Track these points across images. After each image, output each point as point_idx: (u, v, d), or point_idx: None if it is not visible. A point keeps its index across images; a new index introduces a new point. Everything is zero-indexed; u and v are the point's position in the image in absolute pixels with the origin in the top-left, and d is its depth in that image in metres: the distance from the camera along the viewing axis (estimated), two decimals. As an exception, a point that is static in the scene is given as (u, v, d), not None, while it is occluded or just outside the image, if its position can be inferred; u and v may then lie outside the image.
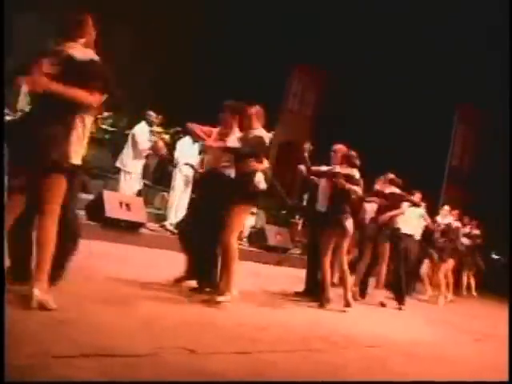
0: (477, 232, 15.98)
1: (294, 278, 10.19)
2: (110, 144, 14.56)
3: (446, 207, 14.59)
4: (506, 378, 6.29)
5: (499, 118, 20.64)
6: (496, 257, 23.67)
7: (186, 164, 12.04)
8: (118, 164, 12.15)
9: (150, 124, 12.09)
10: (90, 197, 11.25)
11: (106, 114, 13.93)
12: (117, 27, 16.17)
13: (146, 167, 12.81)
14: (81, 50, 4.96)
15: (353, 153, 9.00)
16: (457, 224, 14.19)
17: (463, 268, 15.98)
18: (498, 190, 21.26)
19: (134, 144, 11.82)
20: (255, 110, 7.34)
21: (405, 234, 11.51)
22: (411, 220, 12.38)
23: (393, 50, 19.97)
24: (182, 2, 17.62)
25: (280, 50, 18.89)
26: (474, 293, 16.58)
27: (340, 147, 9.15)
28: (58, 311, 4.64)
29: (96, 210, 10.52)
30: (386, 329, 8.01)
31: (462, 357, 7.18)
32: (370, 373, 5.36)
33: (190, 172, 12.16)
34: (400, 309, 10.25)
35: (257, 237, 13.93)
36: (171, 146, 12.88)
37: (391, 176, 10.73)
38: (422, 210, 13.25)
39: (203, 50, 18.20)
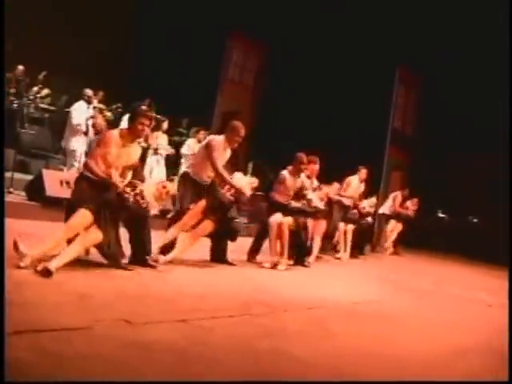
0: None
1: (238, 246, 10.21)
2: (49, 123, 14.41)
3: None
4: (453, 335, 6.48)
5: (438, 81, 20.86)
6: (441, 215, 24.06)
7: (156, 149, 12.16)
8: (62, 143, 12.10)
9: (88, 101, 11.98)
10: (29, 177, 11.14)
11: (44, 92, 13.77)
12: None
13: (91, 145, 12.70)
14: None
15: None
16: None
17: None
18: (441, 152, 21.61)
19: (71, 122, 11.74)
20: None
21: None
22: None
23: (332, 13, 19.98)
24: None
25: (217, 17, 18.77)
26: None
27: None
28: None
29: (36, 189, 10.42)
30: (326, 291, 8.08)
31: (403, 314, 7.29)
32: (309, 333, 5.44)
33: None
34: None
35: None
36: (113, 122, 12.81)
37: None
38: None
39: (141, 23, 18.05)
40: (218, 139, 8.60)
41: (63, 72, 14.50)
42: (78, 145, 11.91)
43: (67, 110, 13.19)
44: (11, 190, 10.63)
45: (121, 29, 17.25)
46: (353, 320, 6.36)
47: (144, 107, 7.38)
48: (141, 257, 7.15)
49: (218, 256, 8.77)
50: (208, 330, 4.84)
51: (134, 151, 7.22)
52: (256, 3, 19.35)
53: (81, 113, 11.66)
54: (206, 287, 6.83)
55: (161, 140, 14.05)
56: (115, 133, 7.09)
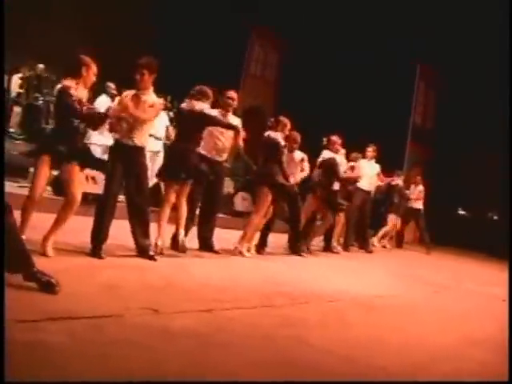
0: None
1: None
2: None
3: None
4: (468, 327, 6.63)
5: (457, 80, 20.98)
6: (461, 212, 24.10)
7: (151, 136, 12.16)
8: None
9: (111, 96, 12.13)
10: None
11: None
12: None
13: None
14: None
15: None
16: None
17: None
18: (462, 147, 21.68)
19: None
20: None
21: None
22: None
23: (353, 10, 20.06)
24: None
25: (239, 12, 18.89)
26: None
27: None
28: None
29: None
30: (346, 283, 8.28)
31: (419, 307, 7.47)
32: (328, 324, 5.62)
33: (156, 145, 12.30)
34: None
35: (224, 203, 14.09)
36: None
37: None
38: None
39: (163, 19, 18.20)
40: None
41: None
42: (100, 139, 12.08)
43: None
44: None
45: (142, 24, 17.45)
46: (370, 312, 6.54)
47: None
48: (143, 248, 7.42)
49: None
50: (231, 319, 5.04)
51: None
52: (278, 2, 19.48)
53: (103, 107, 11.82)
54: (228, 279, 7.06)
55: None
56: None
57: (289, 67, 21.20)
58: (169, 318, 4.70)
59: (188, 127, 8.18)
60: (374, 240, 15.34)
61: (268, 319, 5.35)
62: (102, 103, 11.77)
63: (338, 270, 9.83)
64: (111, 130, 7.35)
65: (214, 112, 8.64)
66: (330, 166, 10.99)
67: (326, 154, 11.14)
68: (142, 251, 7.32)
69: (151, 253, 7.33)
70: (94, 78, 6.88)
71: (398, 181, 15.66)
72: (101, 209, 7.23)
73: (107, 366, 3.51)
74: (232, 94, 9.23)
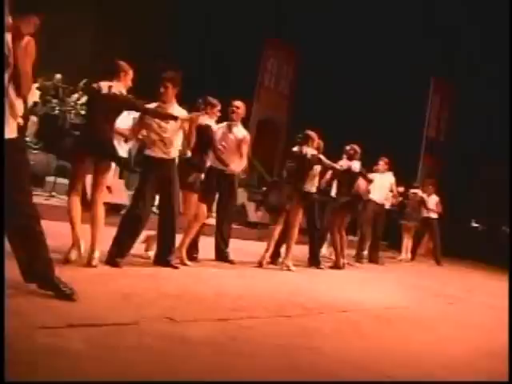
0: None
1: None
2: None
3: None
4: (481, 338, 6.66)
5: (470, 93, 21.03)
6: (475, 225, 24.08)
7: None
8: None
9: None
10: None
11: (84, 99, 14.11)
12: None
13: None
14: None
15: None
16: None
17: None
18: (474, 160, 21.72)
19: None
20: None
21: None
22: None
23: (367, 24, 20.14)
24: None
25: (254, 24, 18.98)
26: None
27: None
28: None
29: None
30: (360, 295, 8.33)
31: (432, 319, 7.52)
32: (342, 334, 5.69)
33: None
34: None
35: (237, 213, 14.17)
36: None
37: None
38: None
39: (179, 32, 18.33)
40: None
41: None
42: (118, 149, 12.18)
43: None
44: (53, 193, 10.96)
45: (158, 36, 17.58)
46: (384, 323, 6.59)
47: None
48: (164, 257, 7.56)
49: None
50: (246, 329, 5.11)
51: None
52: (292, 11, 19.58)
53: (122, 118, 11.89)
54: (243, 289, 7.13)
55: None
56: None
57: (303, 79, 21.27)
58: (185, 327, 4.77)
59: None
60: (402, 254, 15.77)
61: (282, 328, 5.42)
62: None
63: (351, 281, 9.88)
64: (132, 138, 7.49)
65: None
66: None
67: (342, 163, 11.13)
68: (167, 263, 7.50)
69: (172, 262, 7.53)
70: (130, 84, 7.06)
71: (418, 191, 15.87)
72: (126, 220, 7.34)
73: (126, 370, 3.60)
74: (237, 103, 9.28)
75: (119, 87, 6.97)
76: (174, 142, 7.51)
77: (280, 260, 9.87)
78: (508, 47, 18.32)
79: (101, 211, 6.95)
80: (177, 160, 7.56)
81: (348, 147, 11.13)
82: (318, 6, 19.81)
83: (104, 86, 6.98)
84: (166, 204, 7.48)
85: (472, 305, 9.43)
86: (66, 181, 11.72)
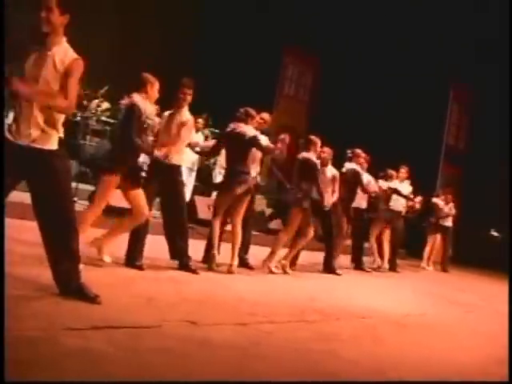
0: None
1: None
2: (110, 135, 14.87)
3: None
4: (496, 345, 6.70)
5: (490, 99, 21.00)
6: (494, 234, 23.99)
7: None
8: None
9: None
10: (91, 188, 11.58)
11: (105, 106, 14.25)
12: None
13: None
14: None
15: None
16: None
17: None
18: (494, 169, 21.67)
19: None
20: None
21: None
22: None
23: (387, 32, 20.20)
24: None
25: (273, 32, 19.07)
26: None
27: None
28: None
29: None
30: (377, 301, 8.37)
31: (449, 326, 7.58)
32: (360, 339, 5.76)
33: (194, 158, 12.50)
34: None
35: (257, 220, 14.21)
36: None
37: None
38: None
39: (199, 41, 18.44)
40: None
41: (123, 86, 15.00)
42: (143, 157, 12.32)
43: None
44: (75, 199, 11.07)
45: (179, 47, 17.69)
46: (401, 330, 6.66)
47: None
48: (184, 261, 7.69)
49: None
50: (266, 333, 5.20)
51: None
52: (312, 19, 19.66)
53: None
54: (262, 294, 7.22)
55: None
56: None
57: (322, 87, 21.36)
58: (206, 330, 4.87)
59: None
60: (423, 263, 15.80)
61: (301, 333, 5.50)
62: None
63: (368, 287, 9.94)
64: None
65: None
66: (353, 176, 11.09)
67: (348, 166, 11.22)
68: (184, 266, 7.60)
69: (192, 267, 7.63)
70: (157, 94, 7.20)
71: (438, 200, 15.93)
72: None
73: (148, 371, 3.70)
74: (264, 115, 9.37)
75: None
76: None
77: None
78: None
79: None
80: None
81: (350, 151, 11.36)
82: (339, 13, 19.91)
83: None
84: (175, 206, 7.65)
85: (488, 313, 9.46)
86: (87, 187, 11.90)
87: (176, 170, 7.66)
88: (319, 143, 9.83)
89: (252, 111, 8.65)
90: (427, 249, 15.97)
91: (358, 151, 11.48)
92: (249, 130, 8.34)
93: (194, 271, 7.56)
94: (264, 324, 5.51)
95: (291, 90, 21.79)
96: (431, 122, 21.20)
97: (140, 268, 7.15)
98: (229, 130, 8.45)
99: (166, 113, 7.84)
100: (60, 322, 4.23)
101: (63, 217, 4.83)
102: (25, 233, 7.87)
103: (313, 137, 9.82)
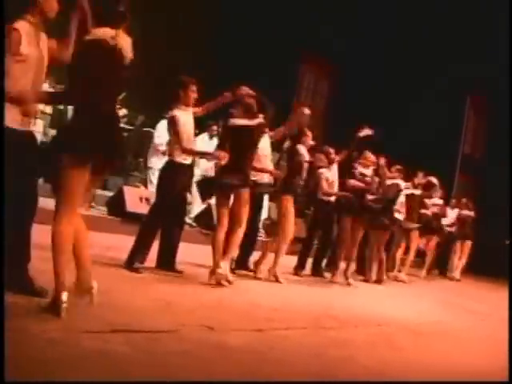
0: None
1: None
2: (127, 142, 14.93)
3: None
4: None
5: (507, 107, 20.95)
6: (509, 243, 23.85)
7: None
8: (140, 160, 12.70)
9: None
10: (110, 193, 11.68)
11: (122, 112, 14.32)
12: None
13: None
14: None
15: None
16: None
17: None
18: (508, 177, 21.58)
19: (153, 141, 12.34)
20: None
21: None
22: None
23: (404, 40, 20.22)
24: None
25: (290, 40, 19.08)
26: None
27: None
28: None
29: (117, 205, 10.92)
30: (392, 309, 8.43)
31: (464, 334, 7.61)
32: (377, 347, 5.79)
33: (208, 166, 12.54)
34: None
35: (272, 228, 14.21)
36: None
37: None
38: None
39: (216, 49, 18.50)
40: None
41: (140, 93, 15.07)
42: (156, 163, 12.38)
43: (146, 129, 13.82)
44: (93, 204, 11.16)
45: (195, 55, 17.75)
46: (418, 337, 6.68)
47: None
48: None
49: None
50: (282, 338, 5.24)
51: None
52: (329, 27, 19.68)
53: (163, 133, 12.08)
54: (278, 300, 7.25)
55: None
56: None
57: (338, 95, 21.38)
58: (223, 335, 4.91)
59: None
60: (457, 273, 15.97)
61: (317, 339, 5.54)
62: (162, 129, 11.89)
63: (383, 295, 9.96)
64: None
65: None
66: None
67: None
68: (172, 266, 7.63)
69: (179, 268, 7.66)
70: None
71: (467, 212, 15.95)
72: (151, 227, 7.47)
73: (167, 372, 3.76)
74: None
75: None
76: None
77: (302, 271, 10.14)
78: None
79: None
80: None
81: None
82: (357, 21, 19.93)
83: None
84: (181, 210, 7.79)
85: (504, 322, 9.44)
86: (104, 192, 11.99)
87: (191, 169, 7.90)
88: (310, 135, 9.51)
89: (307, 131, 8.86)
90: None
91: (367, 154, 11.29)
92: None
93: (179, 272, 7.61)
94: (280, 330, 5.55)
95: (308, 98, 21.81)
96: (448, 130, 21.17)
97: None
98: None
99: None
100: (79, 324, 4.28)
101: None
102: (41, 237, 7.96)
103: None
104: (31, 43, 4.79)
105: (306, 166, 9.44)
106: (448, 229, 15.82)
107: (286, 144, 9.35)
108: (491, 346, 7.07)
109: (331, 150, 10.52)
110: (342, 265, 10.30)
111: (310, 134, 9.46)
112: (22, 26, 4.75)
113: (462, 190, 21.23)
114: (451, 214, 16.04)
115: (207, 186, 8.06)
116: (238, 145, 7.52)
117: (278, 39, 18.80)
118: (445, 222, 15.53)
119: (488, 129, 22.81)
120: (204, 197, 8.56)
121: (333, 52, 20.04)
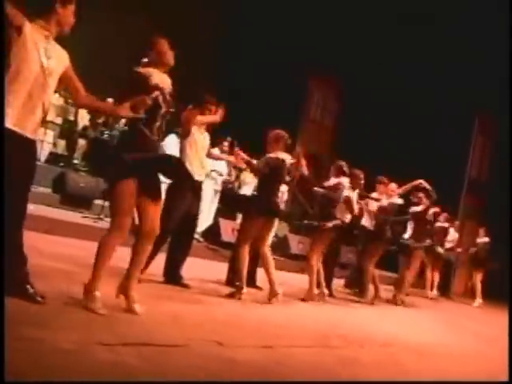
0: None
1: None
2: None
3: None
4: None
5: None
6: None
7: (213, 170, 12.31)
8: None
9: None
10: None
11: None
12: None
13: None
14: None
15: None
16: None
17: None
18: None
19: (163, 154, 12.38)
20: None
21: None
22: None
23: (412, 61, 20.26)
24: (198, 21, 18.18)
25: (299, 57, 19.16)
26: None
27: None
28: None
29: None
30: (399, 329, 8.47)
31: (474, 357, 7.61)
32: (383, 367, 5.82)
33: (218, 180, 12.63)
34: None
35: (280, 245, 14.30)
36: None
37: None
38: None
39: (225, 65, 18.60)
40: None
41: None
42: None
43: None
44: (102, 216, 11.21)
45: (203, 72, 17.84)
46: (423, 358, 6.69)
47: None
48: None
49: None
50: (289, 356, 5.28)
51: None
52: (337, 44, 19.75)
53: (172, 146, 12.12)
54: (286, 317, 7.32)
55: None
56: None
57: (347, 114, 21.44)
58: (232, 351, 4.95)
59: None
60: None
61: (325, 357, 5.58)
62: (171, 142, 11.96)
63: (389, 316, 9.98)
64: None
65: None
66: None
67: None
68: (179, 280, 7.75)
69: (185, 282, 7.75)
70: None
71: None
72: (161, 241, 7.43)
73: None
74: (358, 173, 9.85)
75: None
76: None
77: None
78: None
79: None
80: None
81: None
82: (366, 39, 20.01)
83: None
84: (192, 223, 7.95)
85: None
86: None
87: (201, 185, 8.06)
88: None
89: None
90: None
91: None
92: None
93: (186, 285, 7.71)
94: (287, 347, 5.59)
95: (317, 115, 21.88)
96: (454, 152, 21.15)
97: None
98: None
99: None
100: (92, 336, 4.33)
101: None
102: (51, 247, 8.07)
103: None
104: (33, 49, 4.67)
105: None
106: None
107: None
108: (495, 369, 7.07)
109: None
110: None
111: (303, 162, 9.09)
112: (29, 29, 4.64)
113: (468, 212, 21.21)
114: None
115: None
116: None
117: (286, 57, 18.90)
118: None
119: (495, 150, 22.75)
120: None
121: (341, 70, 20.10)
